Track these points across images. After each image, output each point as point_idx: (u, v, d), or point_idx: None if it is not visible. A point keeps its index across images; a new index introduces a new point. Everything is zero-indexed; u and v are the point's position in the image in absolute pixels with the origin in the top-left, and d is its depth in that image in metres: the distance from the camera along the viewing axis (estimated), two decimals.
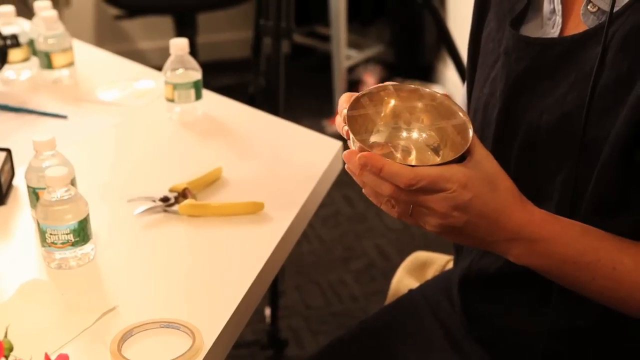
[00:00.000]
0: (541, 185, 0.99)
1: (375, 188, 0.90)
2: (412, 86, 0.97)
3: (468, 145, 0.90)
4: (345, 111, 0.93)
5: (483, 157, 0.91)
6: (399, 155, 0.95)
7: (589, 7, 0.96)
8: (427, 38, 3.61)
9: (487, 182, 0.90)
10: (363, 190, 0.93)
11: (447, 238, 0.94)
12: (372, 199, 0.93)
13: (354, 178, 0.92)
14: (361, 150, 0.90)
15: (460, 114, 0.95)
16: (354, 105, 0.94)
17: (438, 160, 0.94)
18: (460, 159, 0.90)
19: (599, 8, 0.95)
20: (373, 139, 0.95)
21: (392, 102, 0.97)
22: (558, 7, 0.99)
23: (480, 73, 1.08)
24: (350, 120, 0.92)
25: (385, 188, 0.88)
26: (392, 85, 0.97)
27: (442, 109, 0.96)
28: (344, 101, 0.95)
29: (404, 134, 0.96)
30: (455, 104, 0.96)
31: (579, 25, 0.97)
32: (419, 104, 0.97)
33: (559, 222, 0.93)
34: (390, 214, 0.92)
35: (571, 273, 0.93)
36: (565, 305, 1.01)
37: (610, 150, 0.91)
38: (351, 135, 0.91)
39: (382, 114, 0.96)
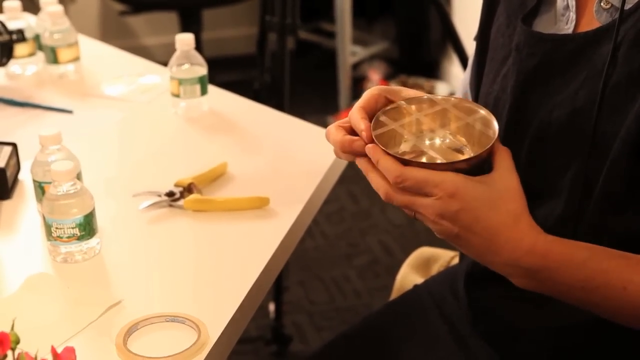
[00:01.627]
0: (551, 181, 0.98)
1: (373, 181, 0.92)
2: (425, 96, 0.98)
3: (495, 138, 0.90)
4: (364, 132, 0.94)
5: (501, 172, 0.89)
6: (424, 159, 0.94)
7: (602, 3, 0.96)
8: (432, 34, 3.61)
9: (486, 199, 0.88)
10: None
11: (452, 242, 0.94)
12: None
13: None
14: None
15: (482, 111, 0.95)
16: (376, 125, 0.94)
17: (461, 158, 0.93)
18: (488, 154, 0.90)
19: (612, 5, 0.95)
20: (403, 148, 0.95)
21: (412, 114, 0.97)
22: (572, 4, 0.99)
23: (490, 68, 1.08)
24: (377, 139, 0.93)
25: (379, 186, 0.91)
26: (405, 100, 0.98)
27: (461, 108, 0.96)
28: (358, 119, 0.95)
29: (428, 141, 0.96)
30: (472, 102, 0.97)
31: (592, 21, 0.97)
32: (439, 109, 0.97)
33: (564, 248, 0.90)
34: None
35: (580, 297, 0.91)
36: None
37: (621, 147, 0.91)
38: (384, 151, 0.91)
39: (406, 126, 0.96)
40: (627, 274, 0.89)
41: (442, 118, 0.97)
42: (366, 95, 0.98)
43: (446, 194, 0.87)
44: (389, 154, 0.90)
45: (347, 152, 0.94)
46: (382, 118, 0.96)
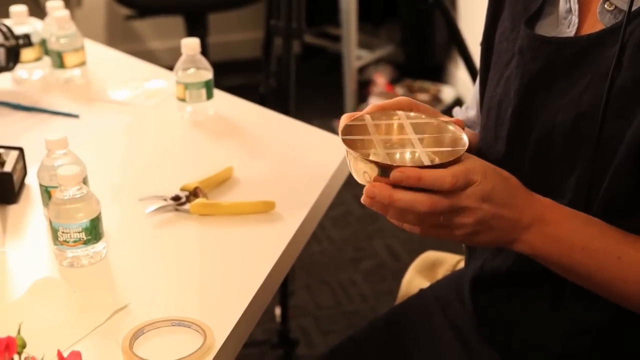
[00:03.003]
0: (555, 185, 0.98)
1: (410, 206, 0.88)
2: (393, 112, 0.98)
3: (466, 147, 0.91)
4: (341, 131, 0.94)
5: (472, 156, 0.92)
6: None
7: (606, 5, 0.95)
8: (437, 38, 3.61)
9: (495, 171, 0.91)
10: (387, 216, 0.91)
11: (473, 242, 0.94)
12: (395, 221, 0.92)
13: (377, 209, 0.90)
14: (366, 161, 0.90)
15: (450, 126, 0.96)
16: (347, 131, 0.95)
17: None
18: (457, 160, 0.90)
19: (616, 7, 0.94)
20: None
21: (383, 128, 0.97)
22: (574, 7, 0.99)
23: (494, 72, 1.08)
24: (347, 142, 0.92)
25: (425, 202, 0.87)
26: (370, 115, 0.97)
27: (432, 125, 0.97)
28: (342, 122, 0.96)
29: (398, 155, 0.96)
30: (443, 116, 0.97)
31: (596, 24, 0.97)
32: (407, 124, 0.97)
33: (564, 208, 0.95)
34: (412, 232, 0.92)
35: (579, 261, 0.93)
36: (578, 304, 1.01)
37: (626, 151, 0.91)
38: (352, 154, 0.90)
39: (376, 139, 0.95)
40: (624, 245, 0.93)
41: (413, 130, 0.96)
42: (396, 99, 0.99)
43: (482, 175, 0.89)
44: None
45: None
46: (352, 128, 0.95)
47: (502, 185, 0.91)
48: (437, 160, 0.92)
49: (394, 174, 0.87)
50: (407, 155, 0.96)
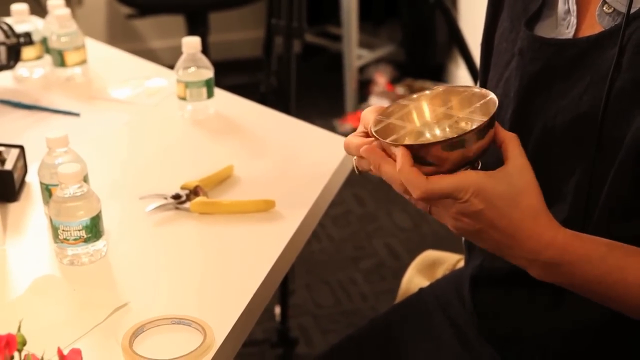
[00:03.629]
0: (555, 187, 0.98)
1: (391, 182, 0.89)
2: (428, 91, 0.97)
3: (495, 108, 0.88)
4: (371, 127, 0.93)
5: (517, 168, 0.89)
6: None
7: (604, 8, 0.95)
8: (438, 38, 3.61)
9: (507, 196, 0.88)
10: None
11: (468, 237, 0.94)
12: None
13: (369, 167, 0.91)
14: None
15: (476, 89, 0.93)
16: (378, 122, 0.94)
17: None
18: (488, 124, 0.87)
19: (614, 9, 0.94)
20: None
21: (413, 111, 0.96)
22: (573, 8, 0.99)
23: (494, 73, 1.08)
24: (378, 133, 0.92)
25: (395, 183, 0.89)
26: (408, 97, 0.97)
27: (458, 94, 0.95)
28: (368, 115, 0.95)
29: (428, 133, 0.95)
30: (470, 86, 0.95)
31: (594, 26, 0.97)
32: (437, 93, 0.96)
33: (583, 243, 0.90)
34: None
35: (596, 290, 0.92)
36: (578, 304, 1.00)
37: (626, 153, 0.91)
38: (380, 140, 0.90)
39: (405, 119, 0.95)
40: None
41: (440, 103, 0.95)
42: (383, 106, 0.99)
43: (472, 195, 0.87)
44: (406, 146, 0.87)
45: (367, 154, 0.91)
46: (380, 117, 0.95)
47: (501, 211, 0.87)
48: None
49: (366, 147, 0.89)
50: (438, 132, 0.94)
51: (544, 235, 0.89)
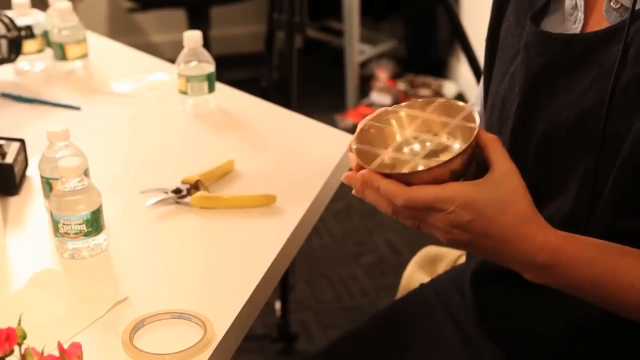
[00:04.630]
0: (559, 181, 0.98)
1: (376, 205, 0.90)
2: (413, 101, 0.97)
3: (473, 136, 0.87)
4: (353, 142, 0.94)
5: (503, 174, 0.88)
6: (405, 170, 0.92)
7: (611, 3, 0.95)
8: (440, 33, 3.61)
9: (495, 203, 0.87)
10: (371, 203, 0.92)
11: (462, 248, 0.94)
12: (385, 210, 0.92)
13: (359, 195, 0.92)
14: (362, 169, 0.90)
15: (461, 104, 0.93)
16: (360, 136, 0.94)
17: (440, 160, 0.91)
18: (469, 155, 0.88)
19: (622, 5, 0.94)
20: (378, 161, 0.94)
21: (394, 121, 0.96)
22: (580, 3, 0.98)
23: (499, 68, 1.08)
24: (358, 151, 0.92)
25: (384, 205, 0.89)
26: (393, 107, 0.97)
27: (446, 108, 0.95)
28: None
29: (407, 149, 0.95)
30: (454, 100, 0.95)
31: (602, 21, 0.96)
32: (422, 114, 0.96)
33: (576, 244, 0.91)
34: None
35: (589, 292, 0.92)
36: (577, 300, 1.01)
37: (630, 148, 0.91)
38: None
39: (389, 135, 0.96)
40: (636, 272, 0.90)
41: (421, 122, 0.95)
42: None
43: (459, 206, 0.86)
44: (386, 175, 0.88)
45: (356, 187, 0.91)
46: (368, 128, 0.95)
47: (490, 219, 0.87)
48: (451, 148, 0.91)
49: (360, 176, 0.89)
50: (417, 147, 0.95)
51: (536, 238, 0.89)
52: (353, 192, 0.92)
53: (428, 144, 0.94)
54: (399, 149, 0.95)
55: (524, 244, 0.89)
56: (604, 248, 0.91)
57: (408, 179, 0.87)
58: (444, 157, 0.90)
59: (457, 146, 0.92)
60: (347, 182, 0.92)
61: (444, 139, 0.94)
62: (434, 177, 0.87)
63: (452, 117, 0.94)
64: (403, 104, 0.98)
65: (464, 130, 0.92)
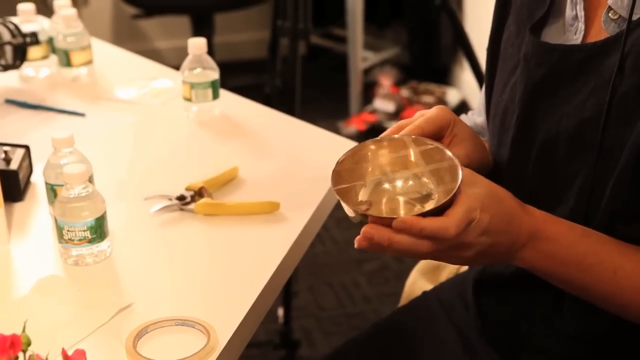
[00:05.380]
0: (558, 190, 0.99)
1: (412, 249, 0.87)
2: (395, 136, 0.97)
3: (458, 185, 0.88)
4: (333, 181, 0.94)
5: (472, 175, 0.91)
6: (382, 207, 0.93)
7: (610, 14, 0.95)
8: (443, 40, 3.61)
9: (492, 196, 0.90)
10: (385, 254, 0.91)
11: (472, 265, 0.94)
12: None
13: (372, 249, 0.88)
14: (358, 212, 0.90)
15: (448, 152, 0.93)
16: (337, 178, 0.94)
17: (430, 205, 0.91)
18: (451, 202, 0.88)
19: (620, 16, 0.94)
20: (360, 197, 0.94)
21: (375, 157, 0.96)
22: (581, 14, 0.99)
23: (500, 78, 1.08)
24: (339, 190, 0.93)
25: (425, 246, 0.87)
26: (372, 141, 0.96)
27: (432, 152, 0.95)
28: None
29: (387, 185, 0.96)
30: (444, 146, 0.95)
31: (601, 32, 0.97)
32: (406, 153, 0.96)
33: (560, 222, 0.94)
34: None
35: (575, 276, 0.94)
36: (579, 309, 1.01)
37: (628, 158, 0.91)
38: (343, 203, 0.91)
39: (368, 170, 0.96)
40: (619, 259, 0.93)
41: (405, 162, 0.96)
42: (434, 115, 0.99)
43: (480, 210, 0.88)
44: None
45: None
46: (346, 162, 0.95)
47: (499, 213, 0.90)
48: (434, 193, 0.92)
49: (396, 224, 0.86)
50: (399, 185, 0.95)
51: (527, 216, 0.92)
52: (367, 247, 0.88)
53: (411, 182, 0.95)
54: (379, 185, 0.95)
55: (523, 222, 0.92)
56: (587, 231, 0.94)
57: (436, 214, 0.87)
58: (438, 197, 0.92)
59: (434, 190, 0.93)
60: (366, 241, 0.87)
61: (424, 179, 0.94)
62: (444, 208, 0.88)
63: (433, 160, 0.94)
64: (370, 140, 0.97)
65: (445, 175, 0.93)
